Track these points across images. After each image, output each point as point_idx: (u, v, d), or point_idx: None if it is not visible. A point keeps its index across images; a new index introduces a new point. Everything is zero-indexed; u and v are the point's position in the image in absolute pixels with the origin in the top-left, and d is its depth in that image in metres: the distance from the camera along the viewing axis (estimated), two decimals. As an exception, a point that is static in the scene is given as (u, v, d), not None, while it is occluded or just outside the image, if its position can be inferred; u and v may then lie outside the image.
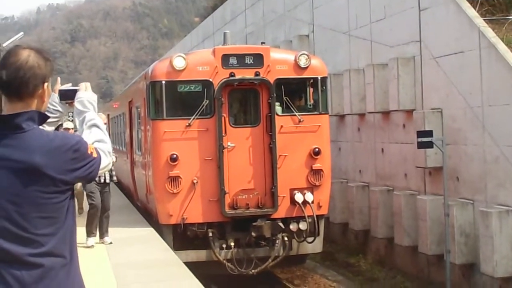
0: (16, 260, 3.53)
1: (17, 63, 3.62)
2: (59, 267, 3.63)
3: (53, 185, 3.59)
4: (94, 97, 4.31)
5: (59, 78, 4.55)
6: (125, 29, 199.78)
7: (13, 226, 3.53)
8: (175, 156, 14.93)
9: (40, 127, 3.75)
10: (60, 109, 4.52)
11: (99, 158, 3.86)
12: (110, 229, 15.01)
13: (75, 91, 4.38)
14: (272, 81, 15.20)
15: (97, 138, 4.01)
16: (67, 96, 4.48)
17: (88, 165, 3.76)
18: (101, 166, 3.88)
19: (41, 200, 3.57)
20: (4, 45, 36.00)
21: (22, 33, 44.80)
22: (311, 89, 16.05)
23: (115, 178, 15.23)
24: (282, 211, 15.29)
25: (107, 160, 3.95)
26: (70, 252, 3.72)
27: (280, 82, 15.36)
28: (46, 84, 3.73)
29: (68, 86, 4.54)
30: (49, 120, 4.17)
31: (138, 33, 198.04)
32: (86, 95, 4.28)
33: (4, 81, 3.63)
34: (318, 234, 15.67)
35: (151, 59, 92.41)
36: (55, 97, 4.45)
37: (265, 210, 15.19)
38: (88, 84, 4.43)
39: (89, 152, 3.78)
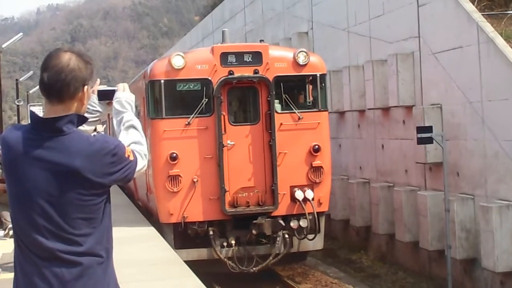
0: (56, 258, 3.65)
1: (59, 66, 3.70)
2: (96, 265, 3.76)
3: (92, 187, 3.70)
4: (132, 97, 4.45)
5: (98, 80, 4.59)
6: (125, 29, 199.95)
7: (53, 226, 3.66)
8: (175, 155, 14.94)
9: (80, 127, 3.87)
10: (99, 109, 4.60)
11: (135, 161, 3.96)
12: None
13: (113, 92, 4.48)
14: (271, 79, 15.20)
15: (134, 140, 4.12)
16: (106, 96, 4.55)
17: (125, 168, 3.86)
18: (137, 169, 3.97)
19: (79, 202, 3.69)
20: (3, 46, 35.99)
21: (21, 34, 44.82)
22: (310, 86, 16.05)
23: None
24: (282, 209, 15.29)
25: (142, 163, 4.04)
26: (106, 251, 3.87)
27: (279, 79, 15.35)
28: (86, 87, 3.82)
29: (106, 87, 4.59)
30: (89, 120, 4.29)
31: (138, 33, 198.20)
32: (124, 95, 4.41)
33: (46, 83, 3.71)
34: (319, 231, 15.66)
35: (152, 58, 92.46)
36: (94, 97, 4.49)
37: (266, 207, 15.20)
38: (126, 85, 4.52)
39: (126, 155, 3.87)
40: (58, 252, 3.65)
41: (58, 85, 3.68)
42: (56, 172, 3.64)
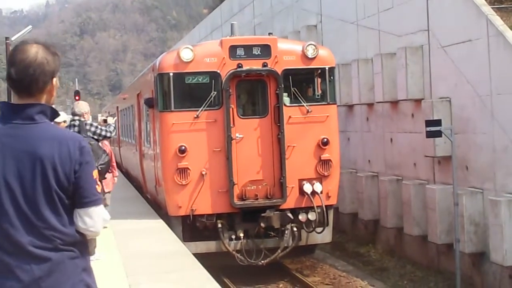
0: (24, 252, 3.55)
1: (26, 61, 3.64)
2: (68, 260, 3.64)
3: (58, 180, 3.61)
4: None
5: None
6: (134, 22, 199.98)
7: (23, 218, 3.56)
8: (183, 147, 14.96)
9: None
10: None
11: (99, 200, 3.79)
12: (119, 221, 15.02)
13: None
14: (279, 72, 15.19)
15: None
16: None
17: (89, 185, 3.71)
18: (96, 212, 3.76)
19: (48, 193, 3.59)
20: (13, 38, 36.05)
21: (30, 26, 44.82)
22: (319, 79, 16.04)
23: None
24: (291, 202, 15.30)
25: (99, 220, 3.80)
26: (79, 247, 3.73)
27: (287, 72, 15.34)
28: (55, 79, 3.77)
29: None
30: None
31: (147, 26, 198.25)
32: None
33: (14, 78, 3.65)
34: (327, 224, 15.66)
35: (160, 51, 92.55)
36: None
37: (274, 200, 15.21)
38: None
39: (94, 175, 3.76)
40: (27, 245, 3.55)
41: (27, 80, 3.64)
42: (25, 160, 3.59)
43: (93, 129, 11.96)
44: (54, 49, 3.78)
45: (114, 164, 15.57)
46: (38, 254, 3.55)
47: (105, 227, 14.64)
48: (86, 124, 11.90)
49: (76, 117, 11.94)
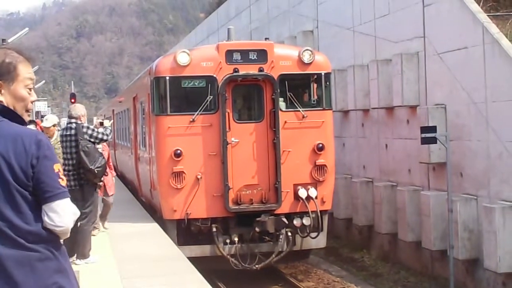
0: None
1: None
2: (35, 261, 3.55)
3: (15, 174, 3.55)
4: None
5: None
6: (131, 25, 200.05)
7: None
8: (179, 151, 14.98)
9: None
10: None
11: (63, 192, 3.70)
12: (114, 224, 15.06)
13: None
14: (276, 77, 15.23)
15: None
16: None
17: (51, 179, 3.63)
18: (60, 206, 3.66)
19: (7, 190, 3.54)
20: (9, 40, 36.02)
21: (27, 28, 44.84)
22: (315, 85, 16.07)
23: None
24: (285, 207, 15.32)
25: (67, 215, 3.69)
26: (49, 246, 3.62)
27: (284, 77, 15.38)
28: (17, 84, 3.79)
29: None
30: None
31: (143, 29, 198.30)
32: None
33: None
34: (322, 230, 15.68)
35: (157, 55, 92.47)
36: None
37: (269, 205, 15.23)
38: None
39: (56, 168, 3.68)
40: None
41: None
42: None
43: (89, 132, 11.97)
44: (26, 54, 3.86)
45: (111, 164, 15.64)
46: (1, 253, 3.47)
47: (105, 229, 14.65)
48: (82, 127, 11.91)
49: (73, 120, 11.95)
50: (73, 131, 11.84)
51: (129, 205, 19.86)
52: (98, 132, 12.09)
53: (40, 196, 3.61)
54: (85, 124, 12.14)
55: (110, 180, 15.02)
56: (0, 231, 3.50)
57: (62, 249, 3.72)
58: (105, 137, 12.22)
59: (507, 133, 14.33)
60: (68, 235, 3.79)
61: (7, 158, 3.53)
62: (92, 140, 11.87)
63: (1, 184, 3.53)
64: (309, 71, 15.71)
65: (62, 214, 3.64)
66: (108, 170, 13.56)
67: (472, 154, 15.49)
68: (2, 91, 3.76)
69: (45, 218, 3.61)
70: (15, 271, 3.48)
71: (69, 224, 3.70)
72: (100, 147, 12.87)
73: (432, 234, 16.21)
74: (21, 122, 3.78)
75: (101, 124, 13.45)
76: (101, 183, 12.65)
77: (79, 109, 12.23)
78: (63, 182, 3.68)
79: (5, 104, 3.73)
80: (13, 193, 3.53)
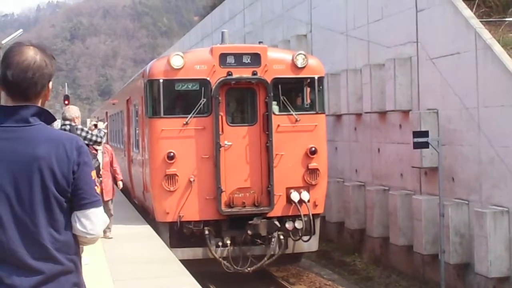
0: (17, 262, 3.39)
1: (25, 63, 3.48)
2: (60, 275, 3.48)
3: (55, 182, 3.46)
4: None
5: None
6: (125, 28, 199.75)
7: (18, 225, 3.41)
8: (172, 154, 15.01)
9: None
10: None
11: (98, 200, 3.66)
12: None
13: None
14: (269, 81, 15.27)
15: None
16: None
17: (88, 186, 3.58)
18: (95, 214, 3.63)
19: (43, 197, 3.45)
20: (3, 42, 36.01)
21: (21, 30, 44.77)
22: (308, 89, 16.13)
23: None
24: (278, 210, 15.36)
25: (99, 223, 3.66)
26: (73, 262, 3.58)
27: (277, 81, 15.43)
28: (50, 83, 3.62)
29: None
30: None
31: (137, 32, 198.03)
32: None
33: (11, 82, 3.49)
34: (314, 233, 15.74)
35: (150, 58, 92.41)
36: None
37: (261, 208, 15.27)
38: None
39: (93, 175, 3.62)
40: (22, 255, 3.38)
41: (24, 84, 3.48)
42: (19, 164, 3.42)
43: (83, 134, 11.99)
44: (50, 52, 3.63)
45: (117, 167, 15.37)
46: (31, 265, 3.39)
47: (109, 238, 14.40)
48: (77, 129, 11.92)
49: (67, 122, 11.95)
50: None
51: (121, 207, 19.85)
52: (92, 134, 12.12)
53: (75, 202, 3.55)
54: (79, 126, 12.16)
55: (108, 184, 14.73)
56: (34, 240, 3.43)
57: (81, 263, 3.71)
58: (98, 139, 12.24)
59: (498, 138, 14.39)
60: (95, 243, 3.79)
61: (49, 164, 3.45)
62: (86, 142, 11.88)
63: (42, 190, 3.44)
64: (302, 75, 15.76)
65: (96, 222, 3.61)
66: (102, 172, 13.55)
67: (464, 159, 15.55)
68: (49, 92, 3.67)
69: (77, 225, 3.57)
70: (43, 286, 3.44)
71: (100, 233, 3.69)
72: (100, 148, 12.89)
73: (424, 238, 16.26)
74: (54, 120, 3.73)
75: (95, 126, 13.48)
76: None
77: (73, 111, 12.24)
78: (98, 189, 3.66)
79: (40, 105, 3.61)
80: (51, 200, 3.46)
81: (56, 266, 3.46)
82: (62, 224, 3.51)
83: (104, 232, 14.61)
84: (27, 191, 3.43)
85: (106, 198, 14.66)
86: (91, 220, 3.59)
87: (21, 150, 3.44)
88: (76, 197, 3.55)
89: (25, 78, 3.48)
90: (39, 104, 3.60)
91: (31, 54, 3.52)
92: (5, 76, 3.50)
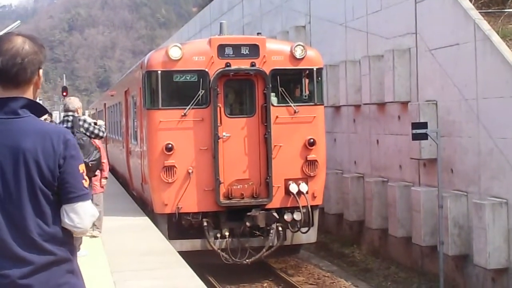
0: (6, 252, 3.41)
1: (13, 49, 3.51)
2: (52, 263, 3.49)
3: (42, 174, 3.47)
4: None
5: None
6: (123, 19, 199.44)
7: (5, 216, 3.43)
8: (170, 145, 14.98)
9: None
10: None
11: (86, 194, 3.65)
12: (105, 218, 14.97)
13: None
14: (267, 72, 15.25)
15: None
16: None
17: (75, 180, 3.57)
18: (83, 207, 3.61)
19: (31, 189, 3.46)
20: (0, 33, 35.92)
21: (19, 21, 44.65)
22: (307, 80, 16.11)
23: None
24: (276, 201, 15.35)
25: (87, 217, 3.63)
26: (65, 248, 3.57)
27: (275, 72, 15.40)
28: (41, 70, 3.64)
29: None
30: None
31: (136, 23, 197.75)
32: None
33: (0, 68, 3.51)
34: (313, 225, 15.74)
35: (149, 49, 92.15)
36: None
37: (260, 200, 15.26)
38: None
39: (81, 169, 3.61)
40: (10, 245, 3.40)
41: (14, 69, 3.50)
42: (6, 155, 3.44)
43: (86, 125, 11.93)
44: (40, 41, 3.66)
45: (105, 161, 15.19)
46: (21, 255, 3.41)
47: (94, 236, 14.09)
48: (79, 119, 11.88)
49: (70, 113, 11.91)
50: (69, 124, 11.81)
51: (120, 199, 19.85)
52: (94, 127, 12.05)
53: (63, 196, 3.55)
54: (82, 117, 12.13)
55: (95, 179, 14.37)
56: (22, 232, 3.44)
57: (75, 251, 3.70)
58: (101, 133, 12.17)
59: (497, 130, 14.37)
60: (84, 235, 3.77)
61: (35, 157, 3.45)
62: (87, 134, 11.83)
63: (27, 183, 3.45)
64: (301, 66, 15.73)
65: (83, 215, 3.60)
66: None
67: (463, 150, 15.53)
68: (40, 81, 3.68)
69: (65, 219, 3.56)
70: (36, 275, 3.44)
71: (88, 226, 3.67)
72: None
73: (422, 230, 16.25)
74: (45, 112, 3.73)
75: (95, 124, 13.43)
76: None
77: (75, 102, 12.22)
78: (86, 183, 3.64)
79: (31, 97, 3.62)
80: (37, 193, 3.47)
81: (47, 257, 3.47)
82: (50, 216, 3.51)
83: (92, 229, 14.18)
84: (14, 183, 3.45)
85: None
86: (79, 214, 3.58)
87: (8, 142, 3.46)
88: (63, 191, 3.55)
89: (14, 64, 3.51)
90: (31, 93, 3.62)
91: (20, 42, 3.55)
92: None
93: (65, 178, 3.53)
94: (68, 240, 3.62)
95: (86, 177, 3.64)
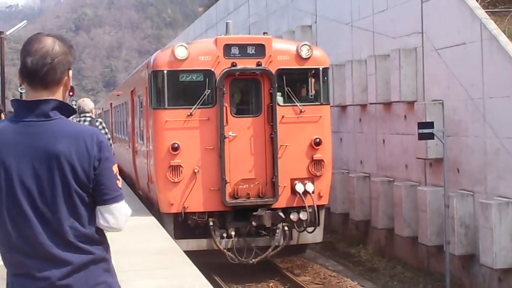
0: (44, 254, 3.44)
1: (43, 50, 3.50)
2: (90, 263, 3.53)
3: (77, 176, 3.47)
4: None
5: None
6: (129, 18, 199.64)
7: (41, 219, 3.44)
8: (176, 145, 14.99)
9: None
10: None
11: (121, 195, 3.68)
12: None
13: None
14: (273, 71, 15.24)
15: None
16: None
17: (110, 181, 3.59)
18: (118, 208, 3.66)
19: (67, 192, 3.47)
20: (7, 33, 35.97)
21: (25, 21, 44.75)
22: (313, 80, 16.09)
23: None
24: (282, 201, 15.34)
25: (122, 217, 3.70)
26: (102, 250, 3.63)
27: (281, 72, 15.39)
28: (70, 71, 3.63)
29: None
30: None
31: (142, 23, 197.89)
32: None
33: (30, 68, 3.50)
34: (319, 224, 15.72)
35: (155, 49, 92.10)
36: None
37: (266, 199, 15.26)
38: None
39: (114, 170, 3.63)
40: (47, 247, 3.42)
41: (43, 70, 3.49)
42: (41, 159, 3.43)
43: (100, 127, 12.10)
44: (69, 42, 3.67)
45: None
46: (59, 256, 3.44)
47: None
48: (97, 121, 12.03)
49: (87, 114, 12.05)
50: (87, 124, 11.93)
51: (126, 198, 19.73)
52: (106, 132, 12.23)
53: (97, 197, 3.58)
54: (99, 119, 12.30)
55: None
56: (58, 234, 3.46)
57: (109, 249, 3.74)
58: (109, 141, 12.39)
59: (504, 129, 14.34)
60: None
61: (69, 160, 3.45)
62: None
63: (62, 186, 3.45)
64: (307, 66, 15.72)
65: (118, 216, 3.66)
66: None
67: (469, 150, 15.51)
68: (70, 81, 3.67)
69: (100, 220, 3.61)
70: (74, 275, 3.47)
71: (123, 226, 3.72)
72: None
73: (429, 230, 16.23)
74: (74, 113, 3.74)
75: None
76: None
77: (90, 103, 12.42)
78: (120, 183, 3.66)
79: (60, 98, 3.60)
80: (72, 195, 3.48)
81: (85, 256, 3.51)
82: (86, 218, 3.54)
83: None
84: (49, 186, 3.45)
85: None
86: (114, 215, 3.64)
87: (41, 145, 3.46)
88: (98, 192, 3.56)
89: (44, 64, 3.49)
90: (60, 94, 3.61)
91: (50, 42, 3.54)
92: (24, 64, 3.51)
93: (100, 180, 3.55)
94: (103, 240, 3.68)
95: (119, 178, 3.67)
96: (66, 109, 3.59)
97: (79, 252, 3.49)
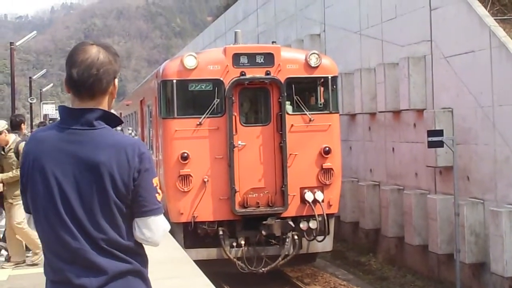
0: (82, 262, 3.43)
1: (88, 60, 3.49)
2: (126, 273, 3.50)
3: (115, 188, 3.45)
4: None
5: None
6: (138, 28, 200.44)
7: (79, 227, 3.44)
8: (186, 154, 15.00)
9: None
10: None
11: (159, 208, 3.62)
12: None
13: None
14: (282, 80, 15.24)
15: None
16: None
17: (149, 194, 3.55)
18: (155, 222, 3.60)
19: (106, 202, 3.45)
20: (17, 43, 36.12)
21: (35, 32, 44.98)
22: (322, 88, 16.08)
23: None
24: (292, 210, 15.33)
25: (159, 231, 3.63)
26: (139, 260, 3.59)
27: (290, 81, 15.40)
28: (116, 80, 3.62)
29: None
30: None
31: (151, 32, 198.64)
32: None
33: (76, 80, 3.49)
34: (328, 233, 15.68)
35: (164, 58, 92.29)
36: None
37: (275, 208, 15.24)
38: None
39: (155, 183, 3.59)
40: (86, 254, 3.41)
41: (90, 80, 3.46)
42: (81, 168, 3.42)
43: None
44: (114, 49, 3.64)
45: None
46: (98, 264, 3.42)
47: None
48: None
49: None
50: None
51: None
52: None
53: (135, 209, 3.53)
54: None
55: None
56: (95, 242, 3.44)
57: (147, 263, 3.69)
58: None
59: (514, 137, 14.31)
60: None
61: (110, 170, 3.43)
62: None
63: (102, 196, 3.43)
64: (315, 74, 15.72)
65: (155, 230, 3.60)
66: None
67: (479, 158, 15.48)
68: (115, 90, 3.66)
69: (136, 232, 3.56)
70: (111, 284, 3.45)
71: (159, 240, 3.65)
72: None
73: (439, 238, 16.20)
74: (120, 123, 3.73)
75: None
76: None
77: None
78: (160, 197, 3.62)
79: (106, 107, 3.60)
80: (111, 206, 3.45)
81: (123, 264, 3.48)
82: (124, 229, 3.51)
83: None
84: (89, 196, 3.44)
85: None
86: (151, 229, 3.58)
87: (83, 154, 3.45)
88: (136, 204, 3.53)
89: (90, 75, 3.48)
90: (106, 103, 3.60)
91: (94, 52, 3.52)
92: (70, 75, 3.51)
93: (139, 191, 3.50)
94: (141, 251, 3.63)
95: (159, 191, 3.62)
96: (112, 119, 3.58)
97: (116, 259, 3.46)
